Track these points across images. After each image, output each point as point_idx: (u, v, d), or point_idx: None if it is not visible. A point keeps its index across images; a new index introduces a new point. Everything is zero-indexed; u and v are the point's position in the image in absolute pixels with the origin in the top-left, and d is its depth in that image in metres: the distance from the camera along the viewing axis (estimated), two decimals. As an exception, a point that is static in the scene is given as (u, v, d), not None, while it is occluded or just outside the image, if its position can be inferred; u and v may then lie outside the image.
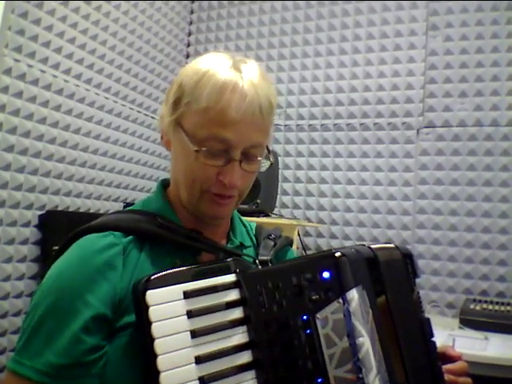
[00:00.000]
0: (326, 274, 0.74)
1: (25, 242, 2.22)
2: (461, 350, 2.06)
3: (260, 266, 0.91)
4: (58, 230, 2.28)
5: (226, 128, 0.84)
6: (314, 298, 0.73)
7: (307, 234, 3.09)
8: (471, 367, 2.01)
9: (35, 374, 0.75)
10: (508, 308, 2.44)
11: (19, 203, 2.18)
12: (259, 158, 0.91)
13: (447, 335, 2.24)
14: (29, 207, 2.24)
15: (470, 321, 2.42)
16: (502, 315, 2.40)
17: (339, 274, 0.73)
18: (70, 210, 2.47)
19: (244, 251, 1.00)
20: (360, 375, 0.69)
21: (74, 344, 0.76)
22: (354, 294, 0.72)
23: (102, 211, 2.68)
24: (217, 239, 0.97)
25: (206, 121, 0.85)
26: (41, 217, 2.29)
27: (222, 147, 0.86)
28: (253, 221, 1.15)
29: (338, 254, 0.74)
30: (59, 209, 2.40)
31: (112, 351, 0.79)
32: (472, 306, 2.49)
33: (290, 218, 2.82)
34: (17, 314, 2.17)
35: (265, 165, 0.95)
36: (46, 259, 2.26)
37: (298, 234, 2.64)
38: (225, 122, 0.84)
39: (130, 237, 0.86)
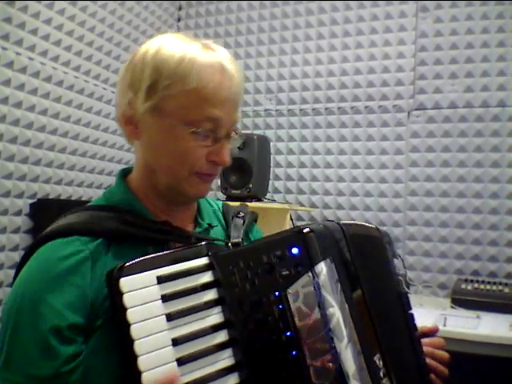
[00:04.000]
0: (294, 250, 0.76)
1: (16, 230, 2.23)
2: (452, 329, 2.09)
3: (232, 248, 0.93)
4: (50, 218, 2.23)
5: (217, 107, 0.86)
6: (284, 273, 0.75)
7: (300, 218, 3.10)
8: (463, 345, 2.04)
9: None
10: (499, 287, 2.46)
11: (10, 192, 2.18)
12: (236, 135, 0.94)
13: (439, 314, 2.27)
14: (20, 196, 2.24)
15: (462, 300, 2.45)
16: (494, 294, 2.43)
17: (307, 248, 0.75)
18: (62, 198, 2.47)
19: (212, 231, 1.00)
20: (332, 344, 0.72)
21: (50, 355, 0.75)
22: (322, 267, 0.75)
23: (93, 199, 2.67)
24: (186, 225, 0.97)
25: (197, 101, 0.85)
26: (32, 205, 2.29)
27: (212, 127, 0.87)
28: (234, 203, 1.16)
29: (305, 230, 0.77)
30: (50, 197, 2.40)
31: (87, 352, 0.78)
32: (464, 286, 2.52)
33: (282, 203, 2.83)
34: (11, 303, 2.17)
35: (237, 141, 0.97)
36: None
37: (291, 219, 2.65)
38: (217, 102, 0.86)
39: (98, 241, 0.84)
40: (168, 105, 0.86)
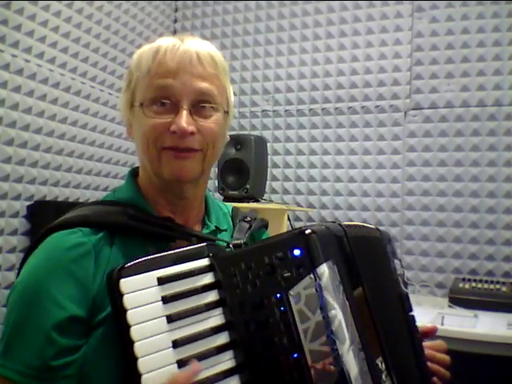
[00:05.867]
0: (296, 252, 0.74)
1: (14, 232, 2.22)
2: (450, 328, 2.10)
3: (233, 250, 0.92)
4: (47, 220, 2.23)
5: (166, 77, 0.88)
6: (286, 275, 0.74)
7: (297, 218, 3.10)
8: (461, 344, 2.04)
9: (18, 375, 0.75)
10: (497, 286, 2.47)
11: (7, 194, 2.18)
12: (212, 106, 0.91)
13: (437, 314, 2.27)
14: (17, 198, 2.23)
15: (460, 299, 2.45)
16: (491, 293, 2.43)
17: (309, 250, 0.74)
18: (59, 200, 2.46)
19: (220, 235, 1.00)
20: (334, 347, 0.70)
21: (45, 346, 0.76)
22: (324, 269, 0.73)
23: (91, 200, 2.67)
24: (191, 224, 0.97)
25: (149, 81, 0.89)
26: (29, 207, 2.28)
27: (164, 95, 0.88)
28: (242, 207, 1.15)
29: (307, 232, 0.75)
30: (48, 199, 2.39)
31: (87, 348, 0.79)
32: (461, 285, 2.52)
33: (279, 203, 2.83)
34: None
35: (222, 118, 0.94)
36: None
37: (288, 219, 2.65)
38: (164, 72, 0.88)
39: (100, 234, 0.85)
40: (136, 97, 0.92)
